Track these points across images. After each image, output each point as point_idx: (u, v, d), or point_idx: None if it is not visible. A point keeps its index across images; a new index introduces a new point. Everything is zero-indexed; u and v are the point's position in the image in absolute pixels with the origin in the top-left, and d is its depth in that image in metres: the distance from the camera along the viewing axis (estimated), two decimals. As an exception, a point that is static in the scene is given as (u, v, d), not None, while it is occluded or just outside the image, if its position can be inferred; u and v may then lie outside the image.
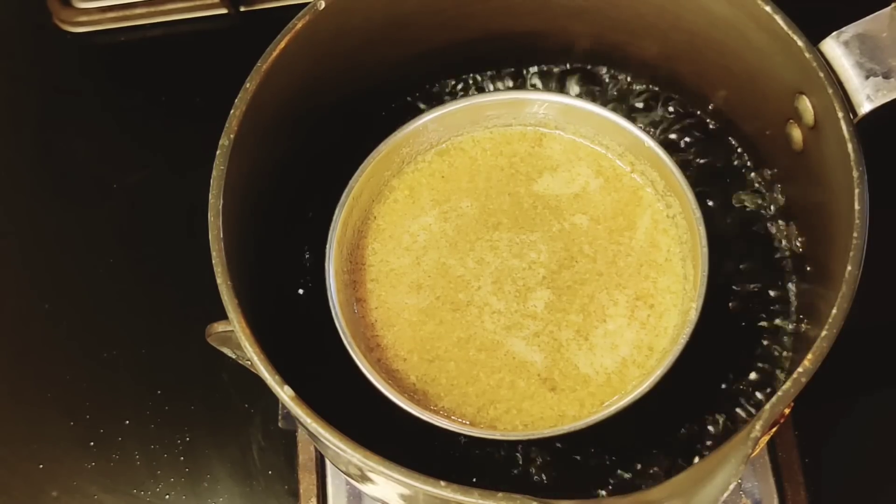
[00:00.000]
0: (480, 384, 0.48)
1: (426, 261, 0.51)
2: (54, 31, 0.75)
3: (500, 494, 0.36)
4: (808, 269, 0.50)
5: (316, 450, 0.58)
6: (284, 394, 0.40)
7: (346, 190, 0.50)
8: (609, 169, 0.53)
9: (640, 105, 0.57)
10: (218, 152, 0.44)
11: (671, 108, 0.56)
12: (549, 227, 0.51)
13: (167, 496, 0.60)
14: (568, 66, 0.57)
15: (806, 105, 0.46)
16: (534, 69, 0.57)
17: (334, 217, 0.50)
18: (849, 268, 0.40)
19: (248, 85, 0.46)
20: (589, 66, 0.57)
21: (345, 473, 0.51)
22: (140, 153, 0.71)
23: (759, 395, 0.49)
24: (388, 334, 0.49)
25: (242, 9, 0.73)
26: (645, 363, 0.48)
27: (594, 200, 0.52)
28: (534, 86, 0.57)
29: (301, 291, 0.53)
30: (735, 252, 0.52)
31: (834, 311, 0.40)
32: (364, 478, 0.43)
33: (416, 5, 0.52)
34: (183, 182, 0.67)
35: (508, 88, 0.57)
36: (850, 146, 0.42)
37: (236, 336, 0.42)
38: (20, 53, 0.76)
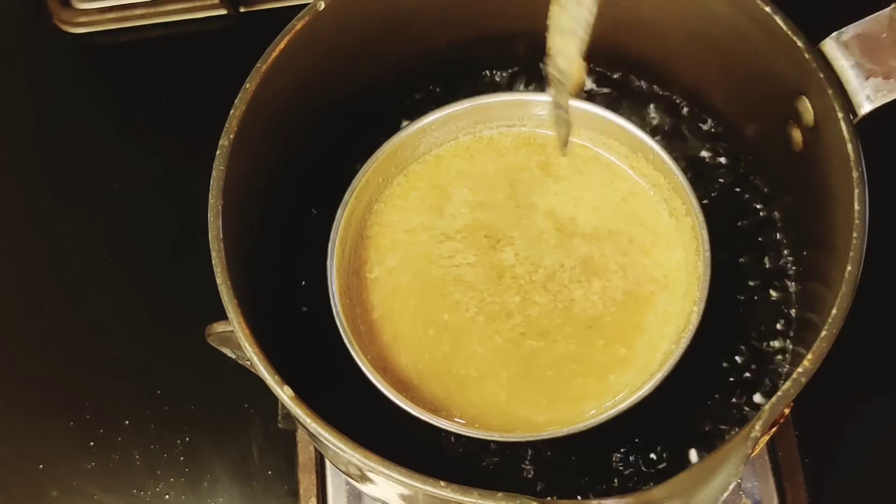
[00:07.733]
0: (483, 389, 0.48)
1: (429, 262, 0.51)
2: (54, 31, 0.75)
3: (499, 494, 0.36)
4: (809, 269, 0.50)
5: (316, 450, 0.58)
6: (284, 394, 0.40)
7: (349, 189, 0.50)
8: (611, 170, 0.53)
9: (640, 106, 0.56)
10: (218, 152, 0.44)
11: (671, 109, 0.56)
12: (550, 228, 0.51)
13: (167, 496, 0.60)
14: (568, 66, 0.57)
15: (806, 105, 0.46)
16: (534, 70, 0.57)
17: (336, 216, 0.50)
18: (849, 268, 0.40)
19: (247, 85, 0.46)
20: (589, 67, 0.57)
21: (345, 473, 0.51)
22: (140, 153, 0.71)
23: (758, 395, 0.49)
24: (389, 337, 0.49)
25: (242, 9, 0.73)
26: (646, 366, 0.48)
27: (596, 202, 0.52)
28: (535, 87, 0.57)
29: (302, 291, 0.52)
30: (736, 253, 0.52)
31: (834, 311, 0.40)
32: (364, 478, 0.43)
33: (416, 5, 0.52)
34: (182, 182, 0.67)
35: (509, 90, 0.57)
36: (849, 146, 0.42)
37: (236, 336, 0.42)
38: (20, 54, 0.76)
